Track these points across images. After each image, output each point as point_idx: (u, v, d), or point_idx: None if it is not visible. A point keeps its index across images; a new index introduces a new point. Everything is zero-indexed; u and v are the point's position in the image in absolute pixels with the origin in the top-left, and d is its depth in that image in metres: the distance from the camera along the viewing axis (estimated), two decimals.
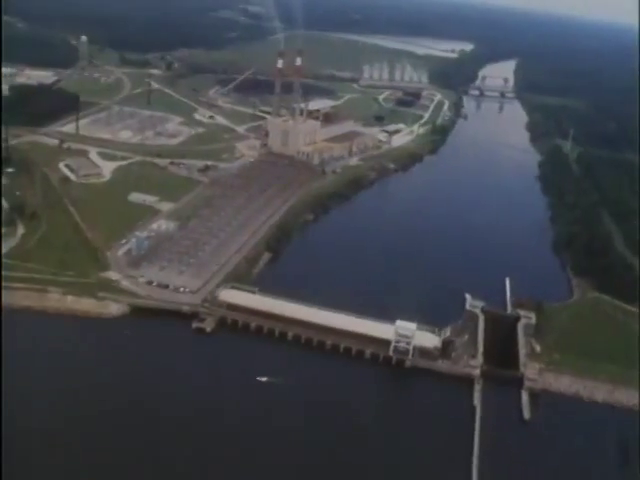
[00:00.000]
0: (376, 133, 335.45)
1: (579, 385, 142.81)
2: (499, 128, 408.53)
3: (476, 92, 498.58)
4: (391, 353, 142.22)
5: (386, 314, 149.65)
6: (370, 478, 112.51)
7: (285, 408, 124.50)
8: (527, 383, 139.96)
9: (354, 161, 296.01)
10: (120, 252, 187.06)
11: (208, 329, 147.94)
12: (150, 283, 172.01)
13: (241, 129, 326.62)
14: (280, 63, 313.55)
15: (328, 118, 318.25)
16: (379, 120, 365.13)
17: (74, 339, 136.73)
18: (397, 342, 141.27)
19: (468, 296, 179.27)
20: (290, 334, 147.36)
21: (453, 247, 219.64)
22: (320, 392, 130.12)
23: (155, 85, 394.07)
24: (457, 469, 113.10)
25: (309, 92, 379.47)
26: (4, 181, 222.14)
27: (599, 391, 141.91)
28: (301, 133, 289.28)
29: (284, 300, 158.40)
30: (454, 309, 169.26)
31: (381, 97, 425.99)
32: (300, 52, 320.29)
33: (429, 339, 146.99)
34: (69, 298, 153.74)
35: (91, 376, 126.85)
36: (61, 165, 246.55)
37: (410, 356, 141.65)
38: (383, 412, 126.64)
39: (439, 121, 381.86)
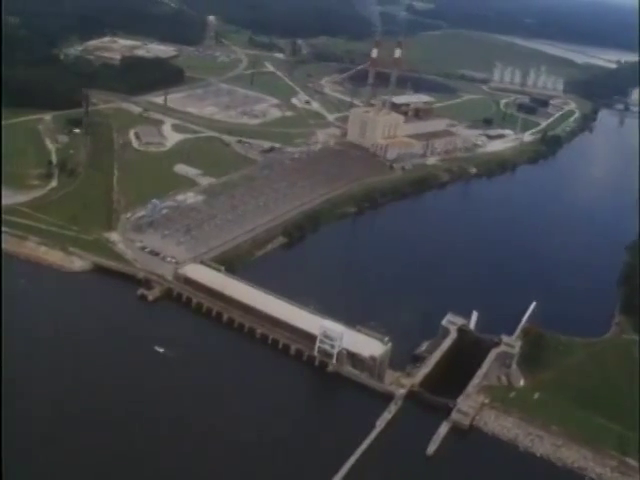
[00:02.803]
0: (473, 135, 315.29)
1: (522, 432, 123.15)
2: (627, 146, 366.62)
3: (621, 106, 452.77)
4: (315, 353, 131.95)
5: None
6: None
7: (162, 378, 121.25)
8: (454, 416, 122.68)
9: (432, 160, 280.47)
10: (134, 216, 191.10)
11: (150, 297, 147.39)
12: (143, 249, 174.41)
13: (331, 117, 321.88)
14: (374, 53, 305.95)
15: (418, 114, 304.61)
16: (487, 123, 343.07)
17: (18, 282, 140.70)
18: (321, 343, 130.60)
19: (478, 312, 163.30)
20: (225, 316, 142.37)
21: (501, 266, 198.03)
22: (214, 375, 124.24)
23: (270, 68, 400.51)
24: None
25: (422, 87, 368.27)
26: (66, 140, 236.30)
27: (543, 443, 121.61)
28: (379, 125, 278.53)
29: (243, 283, 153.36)
30: None
31: (503, 101, 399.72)
32: (400, 44, 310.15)
33: (370, 347, 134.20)
34: (42, 248, 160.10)
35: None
36: (131, 131, 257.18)
37: (334, 360, 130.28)
38: (268, 412, 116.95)
39: (556, 131, 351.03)
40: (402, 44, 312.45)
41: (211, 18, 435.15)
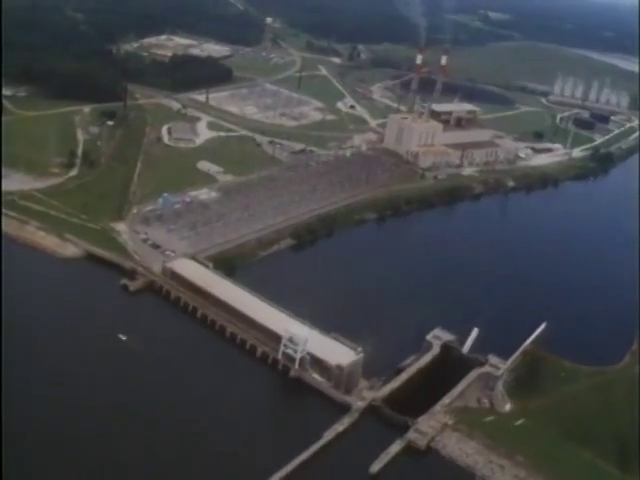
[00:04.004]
0: (519, 148, 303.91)
1: (483, 458, 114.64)
2: None
3: None
4: (280, 357, 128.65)
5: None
6: None
7: (116, 364, 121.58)
8: (410, 435, 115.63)
9: (469, 171, 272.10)
10: (146, 209, 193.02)
11: (132, 288, 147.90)
12: (145, 241, 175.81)
13: (374, 123, 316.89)
14: (419, 59, 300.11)
15: (460, 123, 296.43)
16: (537, 136, 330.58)
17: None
18: (285, 347, 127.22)
19: (484, 329, 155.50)
20: (200, 312, 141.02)
21: (518, 283, 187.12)
22: (169, 368, 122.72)
23: (323, 71, 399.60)
24: None
25: (476, 97, 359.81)
26: (97, 130, 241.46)
27: (503, 473, 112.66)
28: (415, 132, 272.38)
29: (228, 281, 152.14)
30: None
31: (560, 115, 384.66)
32: (447, 51, 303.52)
33: (340, 355, 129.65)
34: (40, 233, 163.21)
35: None
36: (165, 127, 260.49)
37: (296, 365, 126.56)
38: (213, 411, 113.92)
39: (611, 148, 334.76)
40: (449, 51, 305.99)
41: (269, 20, 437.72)
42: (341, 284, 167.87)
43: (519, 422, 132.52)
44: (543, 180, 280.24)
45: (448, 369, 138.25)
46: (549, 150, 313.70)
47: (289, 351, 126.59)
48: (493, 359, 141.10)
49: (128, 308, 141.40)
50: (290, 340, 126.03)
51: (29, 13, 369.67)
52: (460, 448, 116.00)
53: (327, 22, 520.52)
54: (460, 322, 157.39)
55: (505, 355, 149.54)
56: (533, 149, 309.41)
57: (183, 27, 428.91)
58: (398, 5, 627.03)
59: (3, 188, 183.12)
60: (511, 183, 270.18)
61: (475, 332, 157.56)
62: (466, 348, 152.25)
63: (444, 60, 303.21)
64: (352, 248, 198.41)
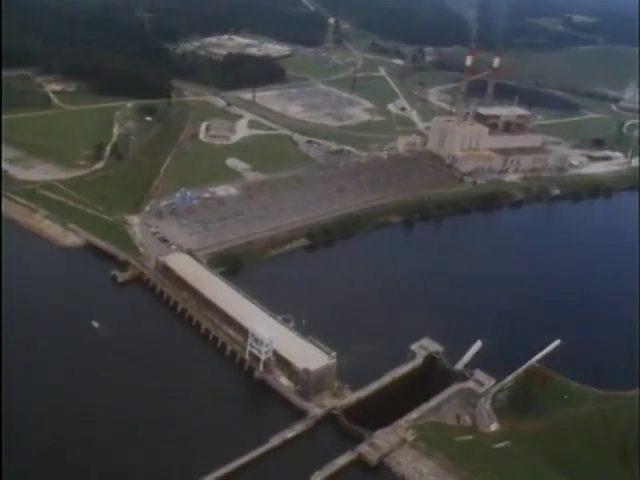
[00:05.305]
0: (573, 155, 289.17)
1: (438, 479, 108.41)
2: None
3: None
4: (247, 357, 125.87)
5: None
6: None
7: (82, 349, 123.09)
8: (362, 448, 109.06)
9: (513, 177, 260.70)
10: (163, 203, 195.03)
11: (120, 279, 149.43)
12: (155, 234, 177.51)
13: (423, 125, 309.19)
14: (469, 60, 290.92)
15: (509, 127, 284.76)
16: (597, 144, 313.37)
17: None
18: (251, 347, 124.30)
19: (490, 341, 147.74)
20: (180, 307, 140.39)
21: (540, 298, 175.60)
22: (135, 358, 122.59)
23: (381, 73, 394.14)
24: None
25: (538, 101, 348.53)
26: (133, 125, 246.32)
27: None
28: (458, 135, 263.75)
29: (218, 278, 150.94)
30: None
31: (629, 122, 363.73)
32: (499, 53, 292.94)
33: (312, 360, 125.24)
34: (46, 222, 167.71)
35: None
36: (204, 124, 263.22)
37: (261, 367, 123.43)
38: (166, 409, 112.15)
39: None
40: (502, 53, 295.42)
41: (331, 20, 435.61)
42: (346, 287, 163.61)
43: (500, 444, 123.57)
44: (594, 189, 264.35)
45: (428, 381, 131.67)
46: (608, 158, 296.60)
47: (255, 351, 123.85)
48: (479, 374, 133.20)
49: (111, 298, 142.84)
50: (255, 340, 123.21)
51: (98, 12, 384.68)
52: (414, 467, 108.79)
53: (397, 24, 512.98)
54: (467, 333, 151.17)
55: (507, 371, 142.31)
56: (589, 157, 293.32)
57: (248, 27, 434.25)
58: (469, 7, 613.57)
59: (28, 178, 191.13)
60: (556, 191, 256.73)
61: (478, 345, 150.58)
62: (464, 361, 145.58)
63: (496, 62, 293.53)
64: (368, 251, 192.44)
